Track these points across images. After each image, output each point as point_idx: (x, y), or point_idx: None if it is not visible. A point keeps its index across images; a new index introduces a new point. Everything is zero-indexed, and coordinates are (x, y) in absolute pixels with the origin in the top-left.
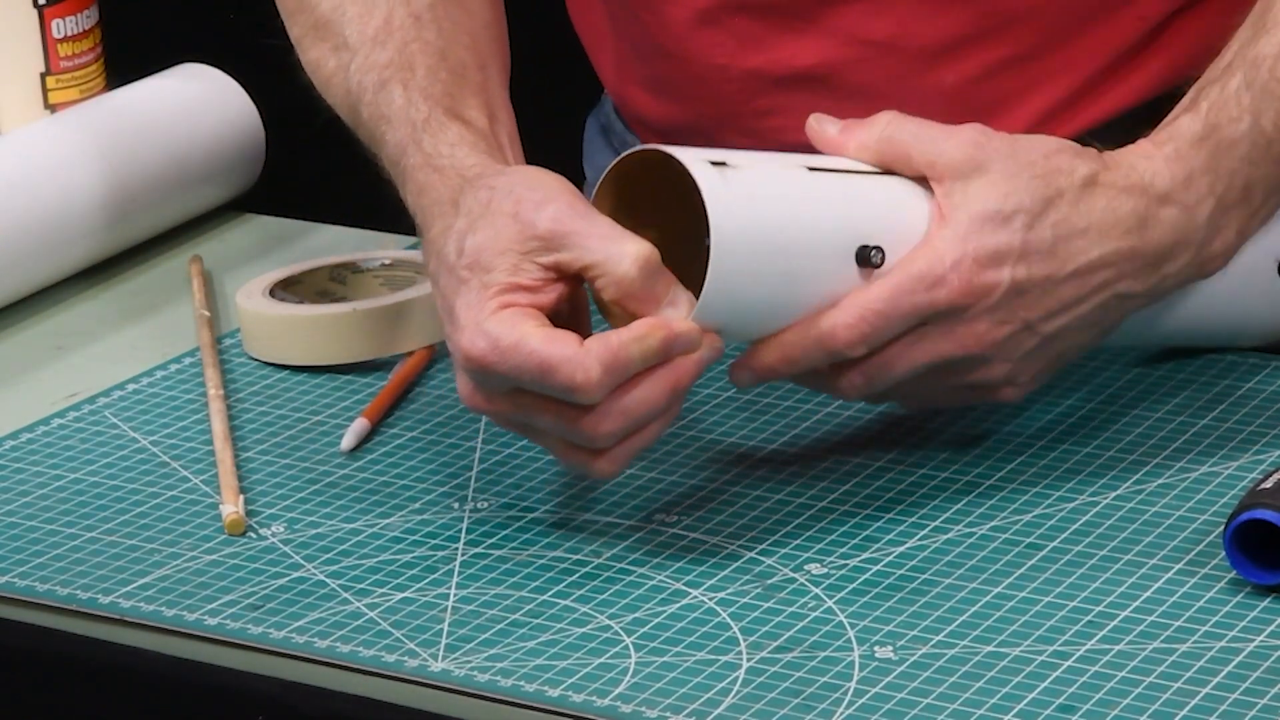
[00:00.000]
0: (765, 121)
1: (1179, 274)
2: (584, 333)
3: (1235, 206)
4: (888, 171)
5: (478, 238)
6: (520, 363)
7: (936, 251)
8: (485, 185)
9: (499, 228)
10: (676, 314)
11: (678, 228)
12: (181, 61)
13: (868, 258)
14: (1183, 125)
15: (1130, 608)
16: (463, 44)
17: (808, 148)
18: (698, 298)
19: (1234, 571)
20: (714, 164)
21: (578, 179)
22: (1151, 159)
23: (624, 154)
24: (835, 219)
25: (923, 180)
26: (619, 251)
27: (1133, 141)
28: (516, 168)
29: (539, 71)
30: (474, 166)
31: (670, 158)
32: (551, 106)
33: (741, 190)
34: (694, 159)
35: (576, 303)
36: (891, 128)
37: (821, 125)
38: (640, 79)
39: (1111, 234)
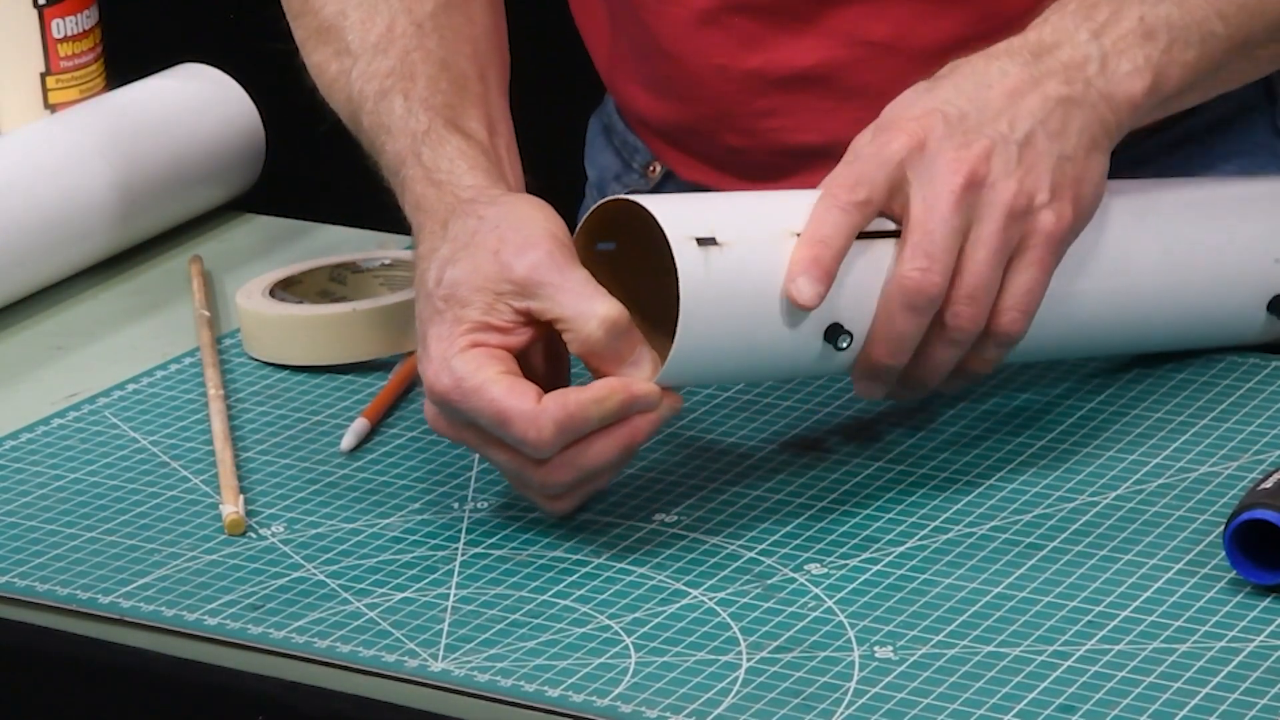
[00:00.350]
0: (764, 122)
1: (1098, 84)
2: (561, 376)
3: (1131, 37)
4: (879, 230)
5: (457, 270)
6: (480, 407)
7: (865, 138)
8: (475, 214)
9: (479, 263)
10: (639, 374)
11: (654, 264)
12: (181, 61)
13: (835, 339)
14: (1049, 13)
15: (1130, 608)
16: (464, 53)
17: (807, 148)
18: (668, 346)
19: (1234, 571)
20: (700, 241)
21: (579, 179)
22: (1025, 32)
23: (613, 198)
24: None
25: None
26: (588, 311)
27: (1135, 150)
28: (509, 199)
29: (542, 71)
30: (470, 188)
31: (656, 220)
32: (554, 106)
33: (721, 274)
34: (680, 234)
35: (555, 347)
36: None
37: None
38: (640, 79)
39: (1001, 58)
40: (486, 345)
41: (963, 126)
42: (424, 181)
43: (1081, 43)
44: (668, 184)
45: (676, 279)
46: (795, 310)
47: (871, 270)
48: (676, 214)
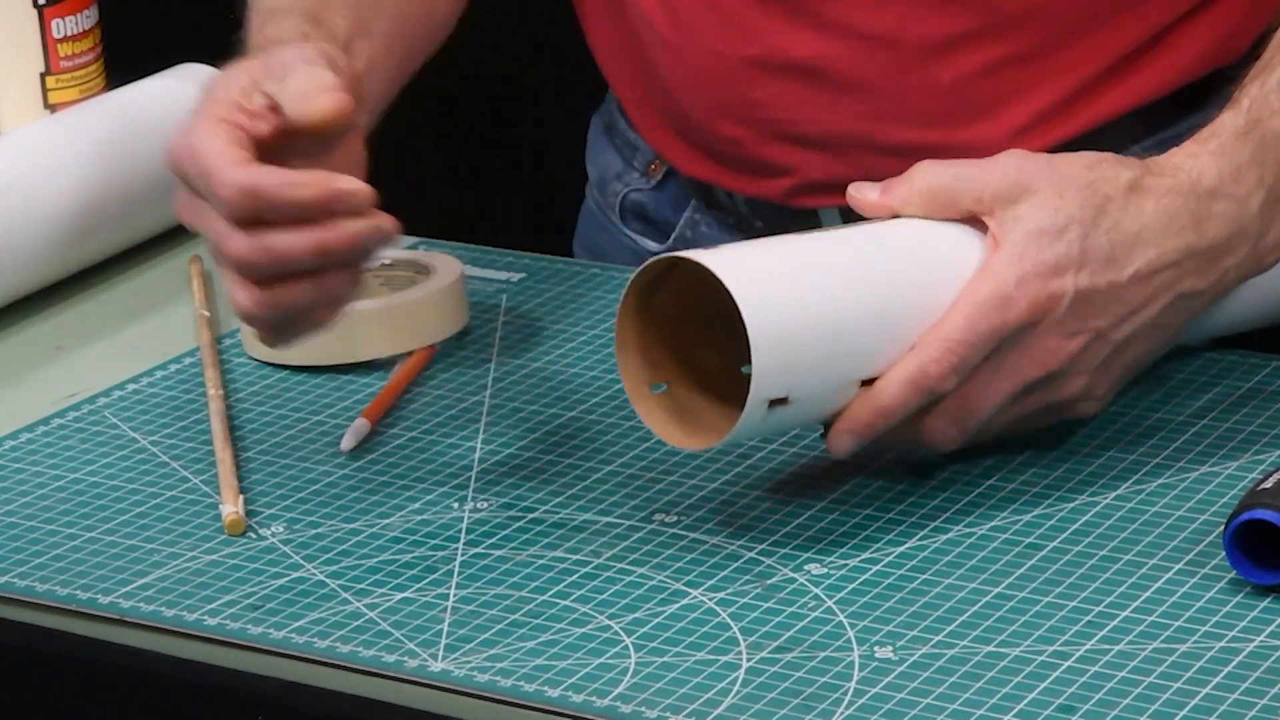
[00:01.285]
0: (761, 113)
1: (1239, 267)
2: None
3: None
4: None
5: (228, 72)
6: (191, 160)
7: (998, 275)
8: (277, 47)
9: (247, 65)
10: (349, 185)
11: (708, 308)
12: (181, 61)
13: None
14: (1226, 121)
15: (1130, 608)
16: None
17: (804, 139)
18: (687, 380)
19: (1234, 571)
20: (772, 403)
21: (580, 178)
22: (1197, 157)
23: (695, 258)
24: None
25: (970, 236)
26: (315, 88)
27: (1130, 143)
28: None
29: (544, 71)
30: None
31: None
32: (555, 106)
33: (777, 420)
34: (760, 396)
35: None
36: (930, 176)
37: (861, 192)
38: (640, 68)
39: (1167, 233)
40: (228, 121)
41: (1082, 313)
42: (258, 34)
43: (1249, 217)
44: (669, 183)
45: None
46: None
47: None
48: (766, 352)
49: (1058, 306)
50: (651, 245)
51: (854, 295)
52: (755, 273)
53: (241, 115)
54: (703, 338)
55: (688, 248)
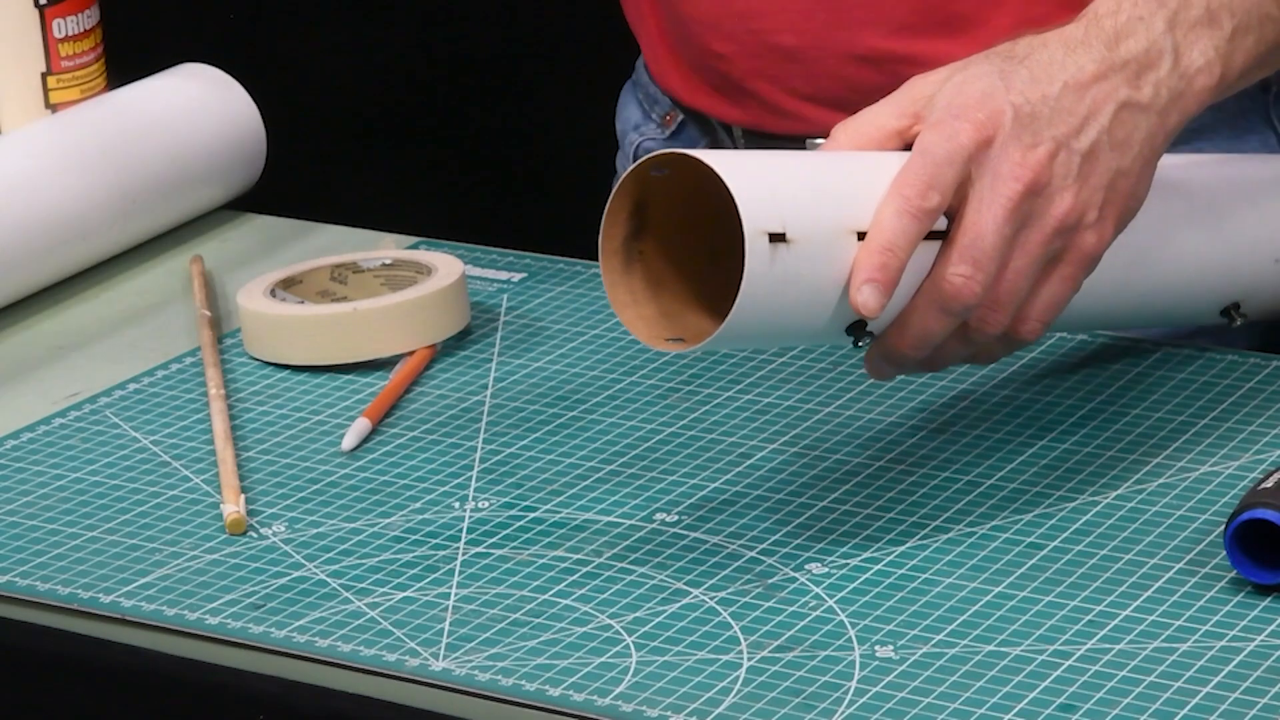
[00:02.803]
0: (746, 24)
1: (1167, 83)
2: None
3: (1200, 26)
4: None
5: None
6: None
7: (937, 118)
8: None
9: None
10: None
11: (698, 205)
12: (181, 61)
13: (857, 337)
14: None
15: (1130, 608)
16: None
17: (785, 50)
18: (692, 290)
19: (1234, 571)
20: (772, 237)
21: (580, 178)
22: None
23: (685, 151)
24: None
25: None
26: None
27: None
28: None
29: (547, 70)
30: None
31: (733, 199)
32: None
33: (782, 271)
34: (755, 227)
35: None
36: (846, 127)
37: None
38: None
39: (1079, 52)
40: None
41: (1032, 126)
42: None
43: (1158, 34)
44: (682, 132)
45: (736, 257)
46: (835, 307)
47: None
48: (749, 191)
49: (1002, 120)
50: None
51: (830, 158)
52: (725, 152)
53: None
54: (697, 287)
55: None
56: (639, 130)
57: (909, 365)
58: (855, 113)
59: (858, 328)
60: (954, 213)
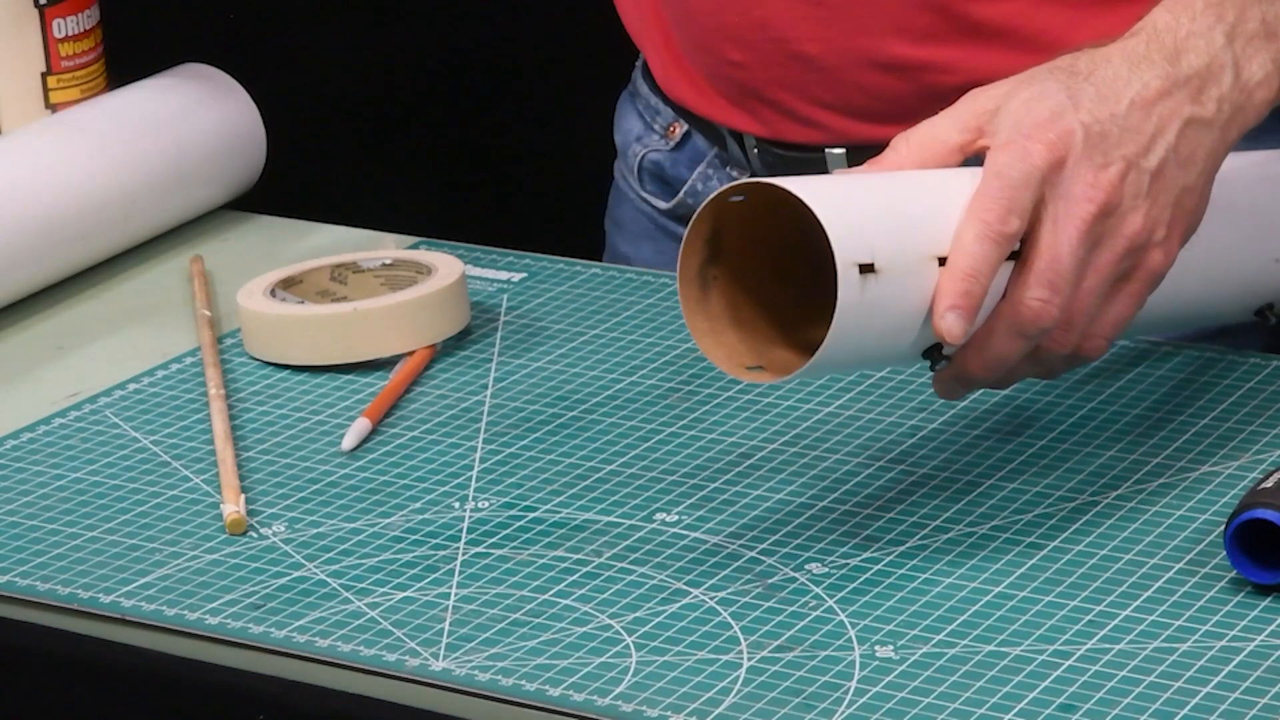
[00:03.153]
0: (762, 33)
1: (1231, 98)
2: None
3: (1258, 39)
4: None
5: None
6: None
7: (1007, 138)
8: None
9: None
10: None
11: (778, 238)
12: (181, 61)
13: (934, 360)
14: None
15: (1130, 608)
16: None
17: (804, 59)
18: (769, 322)
19: (1234, 571)
20: (862, 269)
21: (580, 178)
22: (1147, 15)
23: (767, 180)
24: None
25: None
26: None
27: None
28: None
29: (547, 70)
30: None
31: (825, 232)
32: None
33: (871, 302)
34: (846, 259)
35: None
36: (909, 136)
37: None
38: (655, 5)
39: (1142, 69)
40: None
41: (1102, 146)
42: None
43: (1218, 49)
44: (687, 143)
45: (817, 285)
46: (917, 334)
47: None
48: (838, 221)
49: (1073, 140)
50: (660, 204)
51: (902, 181)
52: (806, 180)
53: None
54: (771, 313)
55: (696, 202)
56: (641, 142)
57: (980, 385)
58: (875, 120)
59: (934, 351)
60: (1027, 235)
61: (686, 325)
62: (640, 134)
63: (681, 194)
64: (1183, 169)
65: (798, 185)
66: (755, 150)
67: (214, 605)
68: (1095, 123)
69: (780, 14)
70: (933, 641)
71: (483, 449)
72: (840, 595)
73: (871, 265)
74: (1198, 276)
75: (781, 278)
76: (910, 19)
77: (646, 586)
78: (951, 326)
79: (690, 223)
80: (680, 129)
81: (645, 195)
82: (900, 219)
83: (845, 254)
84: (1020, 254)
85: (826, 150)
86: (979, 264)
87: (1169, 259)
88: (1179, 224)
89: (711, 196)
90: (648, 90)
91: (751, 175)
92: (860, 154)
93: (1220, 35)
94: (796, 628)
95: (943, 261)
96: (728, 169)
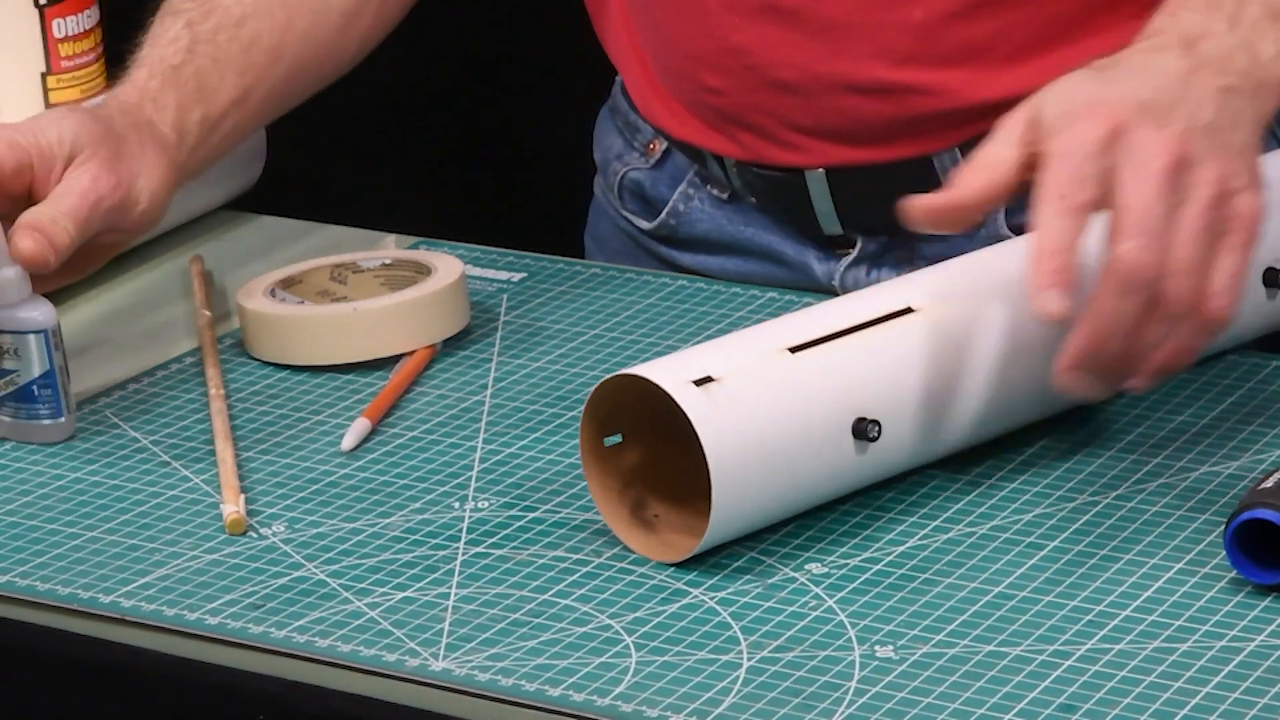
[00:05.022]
0: (740, 59)
1: (1253, 73)
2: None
3: (1263, 20)
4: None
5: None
6: None
7: (1054, 130)
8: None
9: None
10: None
11: (666, 439)
12: None
13: (864, 431)
14: None
15: (1130, 608)
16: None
17: (781, 84)
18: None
19: (1234, 571)
20: (696, 382)
21: (579, 178)
22: (1149, 22)
23: (603, 379)
24: (826, 400)
25: (910, 313)
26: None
27: None
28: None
29: (546, 69)
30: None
31: (647, 380)
32: (557, 105)
33: (725, 406)
34: (674, 380)
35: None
36: (982, 157)
37: (948, 194)
38: (632, 28)
39: (1160, 54)
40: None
41: (1154, 110)
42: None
43: (1221, 33)
44: (667, 161)
45: (689, 445)
46: (814, 410)
47: (890, 354)
48: (664, 373)
49: (1125, 110)
50: (642, 224)
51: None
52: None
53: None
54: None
55: (678, 223)
56: (622, 160)
57: (1100, 365)
58: (854, 143)
59: (862, 425)
60: (1112, 201)
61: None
62: (620, 151)
63: (663, 215)
64: (1234, 130)
65: (648, 370)
66: (735, 170)
67: (214, 605)
68: (1139, 95)
69: (757, 40)
70: (933, 641)
71: (483, 449)
72: (840, 595)
73: (708, 377)
74: None
75: (682, 453)
76: (891, 43)
77: (646, 586)
78: (1049, 303)
79: (584, 473)
80: (660, 146)
81: (626, 214)
82: (744, 338)
83: (675, 380)
84: (1110, 224)
85: (806, 172)
86: (1062, 237)
87: (1258, 204)
88: (1253, 174)
89: (585, 403)
90: (627, 107)
91: (731, 194)
92: (839, 175)
93: (1221, 23)
94: (796, 628)
95: (794, 349)
96: (708, 187)
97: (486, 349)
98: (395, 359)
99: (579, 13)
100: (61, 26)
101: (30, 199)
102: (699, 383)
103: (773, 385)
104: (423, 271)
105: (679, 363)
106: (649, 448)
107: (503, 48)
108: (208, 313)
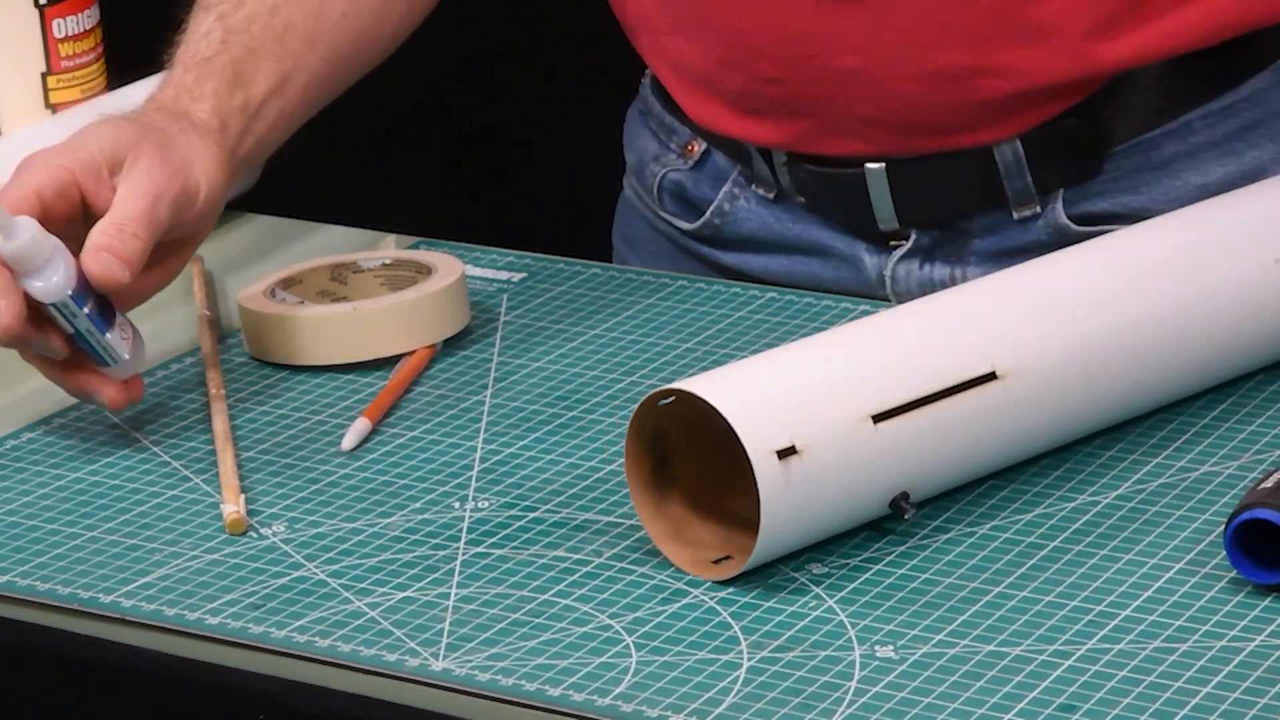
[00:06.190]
0: (803, 48)
1: None
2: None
3: None
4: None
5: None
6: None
7: None
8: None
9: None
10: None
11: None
12: None
13: (900, 506)
14: None
15: (1130, 608)
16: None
17: (844, 72)
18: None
19: (1234, 571)
20: (780, 454)
21: (579, 178)
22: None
23: (672, 388)
24: (897, 483)
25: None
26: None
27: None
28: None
29: (548, 70)
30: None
31: (730, 425)
32: (558, 106)
33: (800, 482)
34: (761, 448)
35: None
36: None
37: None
38: (674, 23)
39: None
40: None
41: None
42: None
43: None
44: (707, 161)
45: (751, 479)
46: (871, 487)
47: (938, 430)
48: (749, 412)
49: None
50: (684, 225)
51: (827, 344)
52: (723, 372)
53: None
54: (735, 500)
55: (723, 222)
56: (659, 161)
57: None
58: (916, 134)
59: (898, 502)
60: None
61: (647, 532)
62: (657, 153)
63: (708, 214)
64: None
65: (708, 383)
66: (785, 168)
67: (214, 605)
68: None
69: (819, 28)
70: (933, 641)
71: (483, 449)
72: (840, 595)
73: (792, 448)
74: (1198, 283)
75: (731, 462)
76: (960, 24)
77: (646, 586)
78: None
79: (628, 432)
80: (699, 147)
81: (666, 216)
82: (826, 386)
83: (758, 443)
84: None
85: (866, 166)
86: None
87: None
88: None
89: (641, 401)
90: (660, 108)
91: (779, 193)
92: (898, 168)
93: None
94: (796, 628)
95: (877, 418)
96: (754, 187)
97: (486, 349)
98: (395, 359)
99: (579, 13)
100: (61, 26)
101: (90, 215)
102: (782, 455)
103: (850, 465)
104: (423, 271)
105: (761, 407)
106: (693, 426)
107: (503, 47)
108: (208, 313)
